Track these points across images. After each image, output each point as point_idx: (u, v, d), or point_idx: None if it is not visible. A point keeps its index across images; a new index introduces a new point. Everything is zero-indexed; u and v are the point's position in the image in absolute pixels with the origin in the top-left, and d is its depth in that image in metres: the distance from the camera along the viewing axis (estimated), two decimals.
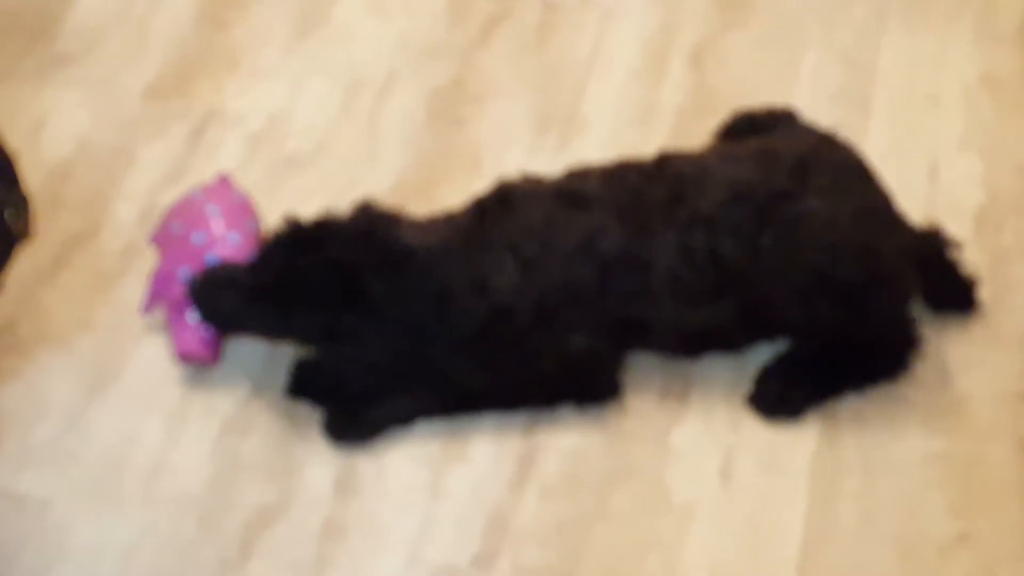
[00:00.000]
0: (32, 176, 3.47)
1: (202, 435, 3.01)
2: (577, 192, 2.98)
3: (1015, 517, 2.80)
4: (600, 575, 2.78)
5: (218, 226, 3.08)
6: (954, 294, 3.11)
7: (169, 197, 3.44)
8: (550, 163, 3.47)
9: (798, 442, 2.96)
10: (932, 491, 2.86)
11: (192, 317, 3.01)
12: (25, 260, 3.28)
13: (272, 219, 3.38)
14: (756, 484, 2.91)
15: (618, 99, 3.68)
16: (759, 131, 3.16)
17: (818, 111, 3.45)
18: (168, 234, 3.12)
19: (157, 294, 3.09)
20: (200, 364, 3.07)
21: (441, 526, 2.86)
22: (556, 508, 2.88)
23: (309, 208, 3.40)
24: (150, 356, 3.14)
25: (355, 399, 2.97)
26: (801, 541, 2.81)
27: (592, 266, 2.91)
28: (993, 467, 2.89)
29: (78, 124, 3.63)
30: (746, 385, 3.03)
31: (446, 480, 2.93)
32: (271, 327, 2.98)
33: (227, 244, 3.06)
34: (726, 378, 3.06)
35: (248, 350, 3.13)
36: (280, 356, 3.12)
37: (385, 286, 2.89)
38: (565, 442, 2.98)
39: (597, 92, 3.70)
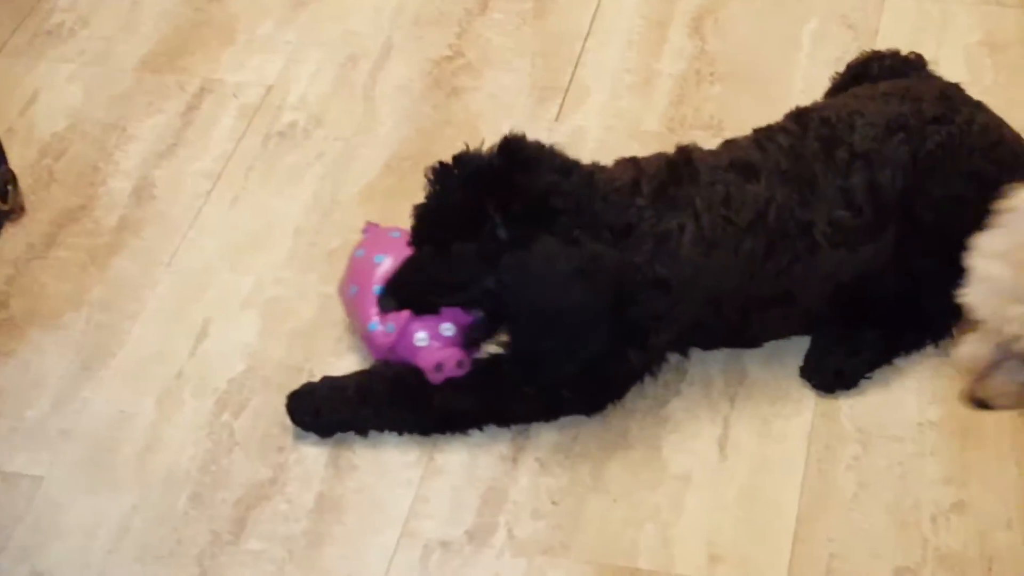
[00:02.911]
0: (24, 152, 3.47)
1: (195, 412, 2.99)
2: (747, 162, 2.93)
3: (1010, 484, 2.78)
4: (596, 546, 2.76)
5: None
6: None
7: (164, 172, 3.44)
8: (549, 133, 3.46)
9: (795, 412, 2.93)
10: (927, 459, 2.83)
11: (419, 338, 2.93)
12: (17, 237, 3.27)
13: (271, 193, 3.38)
14: (753, 454, 2.88)
15: (617, 68, 3.65)
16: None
17: (819, 76, 3.42)
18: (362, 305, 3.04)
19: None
20: (457, 364, 2.93)
21: (436, 501, 2.84)
22: (552, 481, 2.86)
23: (305, 182, 3.41)
24: (144, 333, 3.13)
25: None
26: (797, 511, 2.78)
27: (763, 237, 2.87)
28: (988, 435, 2.86)
29: (71, 99, 3.62)
30: (743, 357, 3.01)
31: (441, 455, 2.91)
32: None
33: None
34: (723, 350, 3.03)
35: (240, 327, 3.12)
36: (273, 331, 3.11)
37: (571, 205, 2.80)
38: (551, 421, 2.96)
39: (596, 61, 3.68)
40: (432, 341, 2.91)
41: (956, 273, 2.83)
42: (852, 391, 2.94)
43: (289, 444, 2.93)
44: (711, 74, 3.60)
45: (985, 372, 2.23)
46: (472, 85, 3.62)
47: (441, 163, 2.87)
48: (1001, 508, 2.74)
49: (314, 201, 3.37)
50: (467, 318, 2.93)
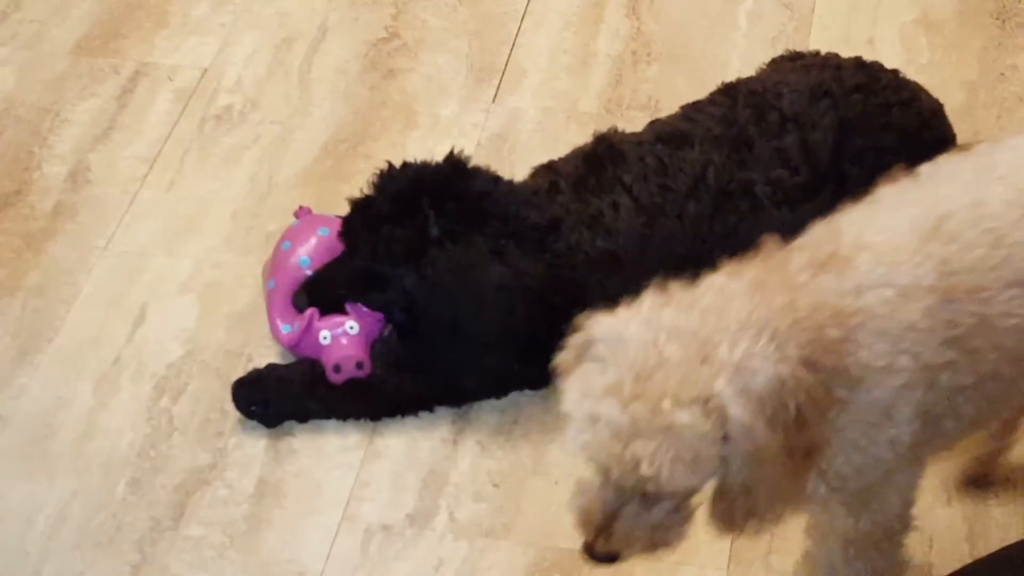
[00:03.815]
0: None
1: (133, 398, 2.97)
2: (677, 133, 2.98)
3: (949, 463, 2.78)
4: (538, 528, 2.76)
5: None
6: None
7: (99, 156, 3.40)
8: (486, 115, 3.45)
9: None
10: None
11: (323, 336, 2.92)
12: None
13: (207, 176, 3.36)
14: None
15: (554, 48, 3.65)
16: None
17: (756, 56, 3.42)
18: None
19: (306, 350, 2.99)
20: (356, 365, 2.93)
21: (376, 485, 2.84)
22: (493, 463, 2.86)
23: (241, 165, 3.39)
24: (81, 319, 3.10)
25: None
26: None
27: (707, 199, 2.91)
28: None
29: (3, 83, 3.58)
30: None
31: (381, 439, 2.90)
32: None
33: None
34: None
35: (178, 312, 3.11)
36: (211, 315, 3.09)
37: (499, 210, 2.85)
38: (502, 398, 2.95)
39: (533, 42, 3.67)
40: (335, 340, 2.91)
41: None
42: None
43: (228, 429, 2.92)
44: (648, 54, 3.60)
45: (606, 522, 2.01)
46: (408, 67, 3.61)
47: (389, 164, 2.87)
48: (940, 485, 2.75)
49: (251, 184, 3.35)
50: (372, 317, 2.93)
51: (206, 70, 3.61)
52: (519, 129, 3.43)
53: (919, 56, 3.54)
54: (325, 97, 3.53)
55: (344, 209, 2.91)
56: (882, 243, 2.06)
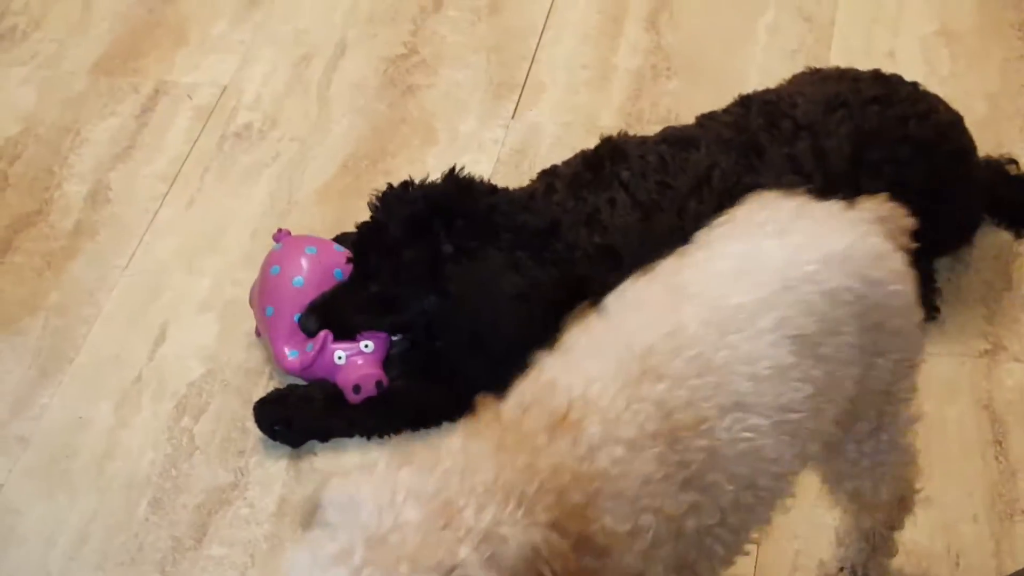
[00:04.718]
0: None
1: (154, 417, 2.97)
2: (684, 136, 2.98)
3: (974, 478, 2.76)
4: None
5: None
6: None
7: (119, 175, 3.40)
8: (505, 130, 3.44)
9: None
10: None
11: (338, 357, 2.91)
12: None
13: (227, 194, 3.36)
14: None
15: (573, 63, 3.64)
16: None
17: (775, 69, 3.42)
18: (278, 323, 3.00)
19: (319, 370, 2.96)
20: (376, 384, 2.93)
21: None
22: None
23: (261, 183, 3.38)
24: (102, 338, 3.10)
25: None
26: None
27: (710, 199, 2.89)
28: (952, 429, 2.84)
29: (24, 103, 3.59)
30: None
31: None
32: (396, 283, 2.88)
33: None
34: None
35: (198, 330, 3.10)
36: (231, 333, 3.09)
37: (501, 217, 2.84)
38: None
39: (552, 56, 3.66)
40: (350, 360, 2.90)
41: None
42: None
43: (249, 448, 2.91)
44: (667, 68, 3.59)
45: None
46: (427, 83, 3.60)
47: (389, 185, 2.87)
48: (967, 501, 2.73)
49: (271, 202, 3.34)
50: (384, 334, 2.93)
51: (225, 88, 3.61)
52: (538, 144, 3.42)
53: (940, 68, 3.53)
54: (344, 114, 3.53)
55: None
56: (598, 396, 1.94)
